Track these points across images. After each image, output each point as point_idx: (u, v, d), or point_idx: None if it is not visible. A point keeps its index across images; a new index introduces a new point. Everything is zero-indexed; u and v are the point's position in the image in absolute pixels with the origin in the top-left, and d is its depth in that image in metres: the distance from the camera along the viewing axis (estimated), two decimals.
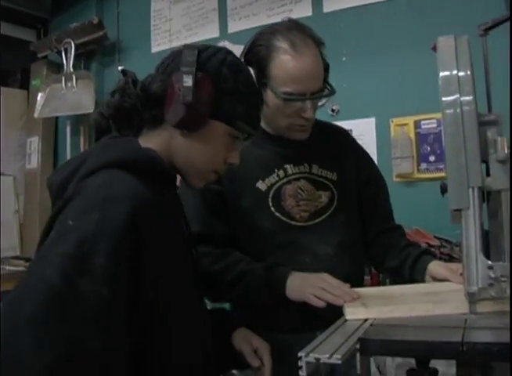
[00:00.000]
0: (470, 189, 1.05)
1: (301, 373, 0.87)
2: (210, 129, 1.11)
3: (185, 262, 1.14)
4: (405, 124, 3.08)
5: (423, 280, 1.47)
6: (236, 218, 1.50)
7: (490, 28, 1.20)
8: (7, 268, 3.60)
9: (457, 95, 1.06)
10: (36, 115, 4.15)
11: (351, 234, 1.57)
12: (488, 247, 1.12)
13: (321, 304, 1.29)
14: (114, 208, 0.93)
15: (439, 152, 2.96)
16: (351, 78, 3.17)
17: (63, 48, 4.07)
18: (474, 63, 1.10)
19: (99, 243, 0.89)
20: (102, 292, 0.87)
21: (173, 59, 1.13)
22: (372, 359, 2.33)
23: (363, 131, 3.11)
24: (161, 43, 4.07)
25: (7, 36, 4.25)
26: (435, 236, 2.75)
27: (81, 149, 4.19)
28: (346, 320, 1.15)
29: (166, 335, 1.00)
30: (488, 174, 1.09)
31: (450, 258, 2.57)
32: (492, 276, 1.04)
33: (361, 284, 1.56)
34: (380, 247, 1.65)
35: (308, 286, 1.34)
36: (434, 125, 2.99)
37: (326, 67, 1.49)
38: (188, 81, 1.06)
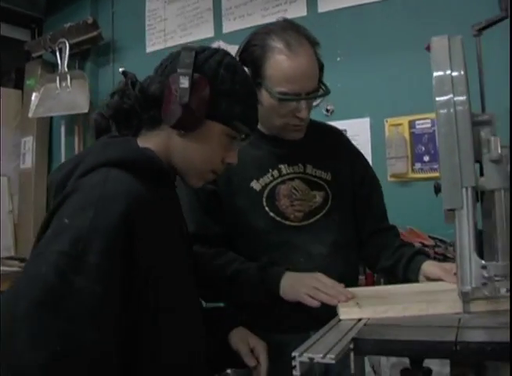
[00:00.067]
0: (464, 189, 1.06)
1: (294, 372, 0.87)
2: (207, 129, 1.13)
3: (181, 261, 1.15)
4: (400, 124, 3.09)
5: (417, 280, 1.47)
6: (231, 218, 1.50)
7: (484, 28, 1.20)
8: (1, 268, 3.58)
9: (451, 95, 1.06)
10: (30, 115, 4.14)
11: (345, 234, 1.57)
12: (482, 246, 1.12)
13: (315, 304, 1.30)
14: (109, 206, 0.95)
15: (433, 152, 2.97)
16: (346, 78, 3.18)
17: (57, 48, 4.07)
18: (468, 63, 1.10)
19: (93, 241, 0.91)
20: (95, 289, 0.89)
21: (171, 61, 1.15)
22: (366, 359, 2.33)
23: (358, 131, 3.12)
24: (156, 43, 4.07)
25: (1, 36, 4.24)
26: (429, 236, 2.75)
27: (76, 149, 4.19)
28: (340, 320, 1.15)
29: (157, 334, 1.01)
30: (481, 174, 1.09)
31: (444, 258, 2.58)
32: (486, 275, 1.05)
33: (355, 284, 1.56)
34: (374, 247, 1.65)
35: (302, 286, 1.34)
36: (429, 125, 3.00)
37: (321, 67, 1.49)
38: (184, 82, 1.08)
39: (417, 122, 3.03)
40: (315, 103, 1.56)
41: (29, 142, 4.32)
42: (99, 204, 0.95)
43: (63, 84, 4.04)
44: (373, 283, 2.70)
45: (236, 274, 1.42)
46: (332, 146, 1.64)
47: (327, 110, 3.29)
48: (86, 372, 0.88)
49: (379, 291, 1.45)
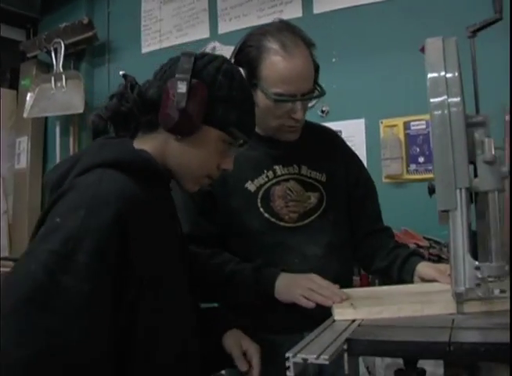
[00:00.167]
0: (458, 190, 1.06)
1: (288, 373, 0.87)
2: (203, 135, 1.14)
3: (175, 261, 1.15)
4: (395, 126, 3.09)
5: (411, 281, 1.48)
6: (225, 219, 1.50)
7: (478, 30, 1.20)
8: None
9: (445, 97, 1.07)
10: (25, 115, 4.13)
11: (340, 235, 1.57)
12: (476, 247, 1.12)
13: (310, 305, 1.30)
14: (101, 207, 0.95)
15: (428, 153, 2.97)
16: (341, 79, 3.18)
17: (52, 48, 4.05)
18: (463, 64, 1.11)
19: (84, 240, 0.92)
20: (83, 288, 0.90)
21: (170, 66, 1.16)
22: (361, 360, 2.34)
23: (353, 132, 3.12)
24: (151, 43, 4.06)
25: None
26: (424, 237, 2.76)
27: (71, 149, 4.18)
28: (334, 321, 1.15)
29: (151, 334, 1.01)
30: (475, 175, 1.09)
31: (439, 259, 2.58)
32: (479, 276, 1.05)
33: (350, 285, 1.56)
34: (368, 248, 1.65)
35: (296, 287, 1.35)
36: (424, 127, 3.00)
37: (317, 68, 1.49)
38: (182, 87, 1.09)
39: (412, 123, 3.04)
40: (310, 104, 1.56)
41: (24, 143, 4.31)
42: (92, 203, 0.95)
43: (58, 84, 4.03)
44: (368, 284, 2.70)
45: (231, 275, 1.42)
46: (327, 147, 1.65)
47: (322, 111, 3.29)
48: (71, 371, 0.88)
49: (374, 291, 1.45)
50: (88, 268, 0.91)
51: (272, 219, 1.49)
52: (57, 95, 4.02)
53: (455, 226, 1.07)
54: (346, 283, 1.46)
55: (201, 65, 1.14)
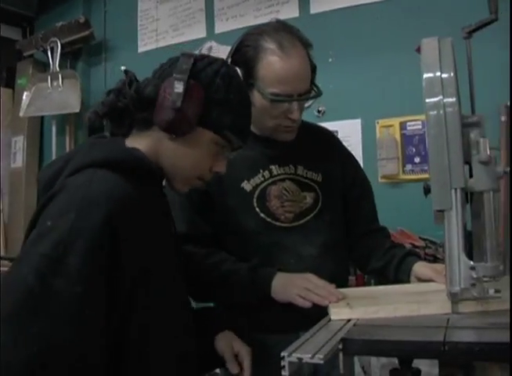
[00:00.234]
0: (453, 191, 1.06)
1: (283, 372, 0.88)
2: (197, 136, 1.13)
3: (169, 260, 1.15)
4: (391, 126, 3.10)
5: (408, 281, 1.48)
6: (221, 218, 1.50)
7: (474, 31, 1.20)
8: None
9: (440, 97, 1.07)
10: (21, 114, 4.12)
11: (336, 235, 1.57)
12: (471, 247, 1.13)
13: (307, 304, 1.30)
14: (91, 209, 0.95)
15: (424, 153, 2.98)
16: (338, 79, 3.18)
17: (49, 47, 4.04)
18: (459, 65, 1.11)
19: (74, 243, 0.91)
20: (75, 291, 0.89)
21: (170, 65, 1.16)
22: (357, 360, 2.34)
23: (349, 132, 3.13)
24: (148, 43, 4.06)
25: None
26: (420, 237, 2.76)
27: (67, 148, 4.17)
28: (330, 320, 1.15)
29: (145, 333, 1.01)
30: (470, 175, 1.10)
31: (435, 259, 2.59)
32: (475, 276, 1.05)
33: (345, 285, 1.56)
34: (364, 248, 1.65)
35: (293, 286, 1.35)
36: (420, 127, 3.01)
37: (314, 69, 1.49)
38: (179, 87, 1.09)
39: (408, 124, 3.05)
40: (307, 105, 1.56)
41: (20, 142, 4.30)
42: (82, 206, 0.95)
43: (55, 83, 4.02)
44: (364, 284, 2.70)
45: (227, 274, 1.42)
46: (323, 147, 1.65)
47: (319, 111, 3.29)
48: (66, 373, 0.88)
49: (370, 291, 1.46)
50: (80, 270, 0.91)
51: (268, 219, 1.49)
52: (53, 94, 4.02)
53: (450, 226, 1.07)
54: (341, 283, 1.46)
55: (200, 66, 1.14)
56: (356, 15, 3.24)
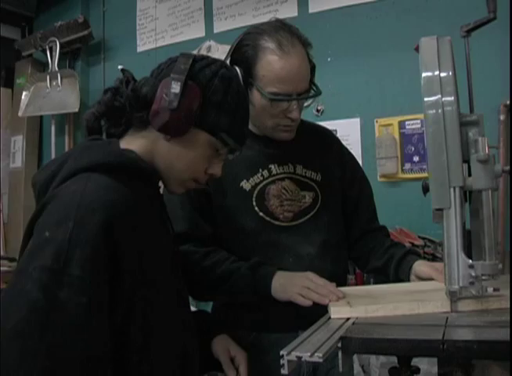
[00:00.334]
0: (452, 189, 1.06)
1: (282, 371, 0.88)
2: (193, 137, 1.12)
3: (167, 261, 1.15)
4: (390, 125, 3.10)
5: (408, 280, 1.48)
6: (221, 218, 1.50)
7: (472, 30, 1.21)
8: None
9: (439, 96, 1.07)
10: (20, 114, 4.12)
11: (335, 234, 1.57)
12: (470, 246, 1.13)
13: (307, 303, 1.30)
14: (88, 217, 0.94)
15: (423, 152, 2.99)
16: (336, 79, 3.19)
17: (47, 47, 4.05)
18: (457, 64, 1.11)
19: (74, 253, 0.90)
20: (80, 301, 0.89)
21: (168, 65, 1.15)
22: (356, 359, 2.34)
23: (348, 131, 3.13)
24: (147, 42, 4.06)
25: None
26: (419, 236, 2.77)
27: (66, 148, 4.17)
28: (329, 319, 1.15)
29: (146, 335, 1.01)
30: (469, 174, 1.10)
31: (433, 258, 2.59)
32: (473, 274, 1.05)
33: (344, 284, 1.56)
34: (364, 247, 1.65)
35: (293, 285, 1.35)
36: (419, 126, 3.01)
37: (313, 68, 1.49)
38: (176, 87, 1.08)
39: (407, 122, 3.05)
40: (306, 104, 1.56)
41: (19, 142, 4.30)
42: (78, 214, 0.93)
43: (54, 83, 4.02)
44: (363, 283, 2.71)
45: (227, 273, 1.42)
46: (322, 146, 1.65)
47: (318, 110, 3.30)
48: None
49: (370, 290, 1.46)
50: (83, 280, 0.90)
51: (267, 218, 1.49)
52: (52, 93, 4.02)
53: (449, 225, 1.08)
54: (340, 282, 1.45)
55: (198, 67, 1.13)
56: (355, 14, 3.24)
